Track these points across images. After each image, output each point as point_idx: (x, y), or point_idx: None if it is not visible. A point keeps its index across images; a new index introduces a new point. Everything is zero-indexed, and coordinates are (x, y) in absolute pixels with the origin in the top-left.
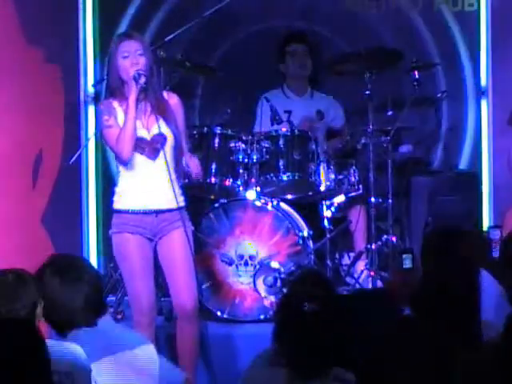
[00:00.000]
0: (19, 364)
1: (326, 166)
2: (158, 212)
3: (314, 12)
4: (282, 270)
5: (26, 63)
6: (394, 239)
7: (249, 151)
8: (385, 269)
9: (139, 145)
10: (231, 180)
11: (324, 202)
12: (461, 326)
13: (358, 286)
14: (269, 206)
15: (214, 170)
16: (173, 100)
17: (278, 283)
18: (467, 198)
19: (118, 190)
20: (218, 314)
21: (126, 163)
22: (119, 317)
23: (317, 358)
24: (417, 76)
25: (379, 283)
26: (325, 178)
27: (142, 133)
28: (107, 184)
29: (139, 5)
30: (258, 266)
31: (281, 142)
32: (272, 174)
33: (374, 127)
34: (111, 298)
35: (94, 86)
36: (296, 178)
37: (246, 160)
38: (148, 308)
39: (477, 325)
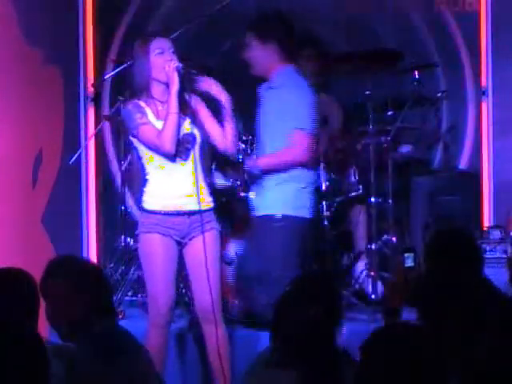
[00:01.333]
0: (18, 366)
1: (326, 166)
2: (190, 213)
3: (313, 12)
4: None
5: (26, 63)
6: (394, 239)
7: (249, 151)
8: (385, 269)
9: None
10: (231, 180)
11: (324, 202)
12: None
13: (357, 286)
14: None
15: (213, 170)
16: (194, 101)
17: None
18: (467, 198)
19: (147, 189)
20: None
21: (169, 157)
22: (119, 317)
23: (316, 359)
24: (417, 76)
25: (379, 283)
26: (325, 178)
27: None
28: (107, 184)
29: (139, 5)
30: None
31: None
32: None
33: (374, 127)
34: None
35: (94, 85)
36: None
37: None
38: (165, 309)
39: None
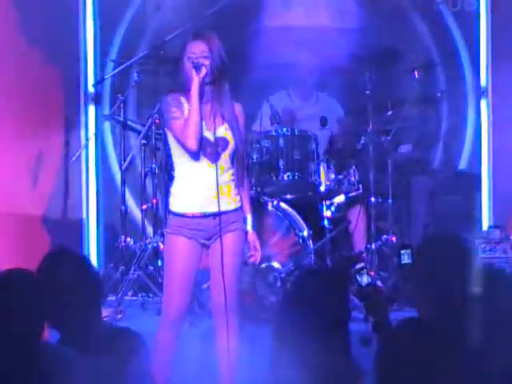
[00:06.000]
0: (17, 366)
1: (325, 166)
2: (215, 215)
3: (313, 11)
4: (282, 269)
5: (26, 63)
6: (393, 239)
7: (248, 151)
8: (385, 269)
9: (202, 145)
10: None
11: (324, 202)
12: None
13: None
14: (269, 206)
15: None
16: (236, 108)
17: (278, 283)
18: (467, 198)
19: (174, 190)
20: None
21: (194, 157)
22: (119, 316)
23: (318, 358)
24: (417, 76)
25: (379, 283)
26: (325, 178)
27: (207, 134)
28: (107, 184)
29: (139, 5)
30: (258, 266)
31: (281, 141)
32: (272, 174)
33: (373, 127)
34: (111, 298)
35: (94, 86)
36: (296, 178)
37: (246, 160)
38: (176, 312)
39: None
